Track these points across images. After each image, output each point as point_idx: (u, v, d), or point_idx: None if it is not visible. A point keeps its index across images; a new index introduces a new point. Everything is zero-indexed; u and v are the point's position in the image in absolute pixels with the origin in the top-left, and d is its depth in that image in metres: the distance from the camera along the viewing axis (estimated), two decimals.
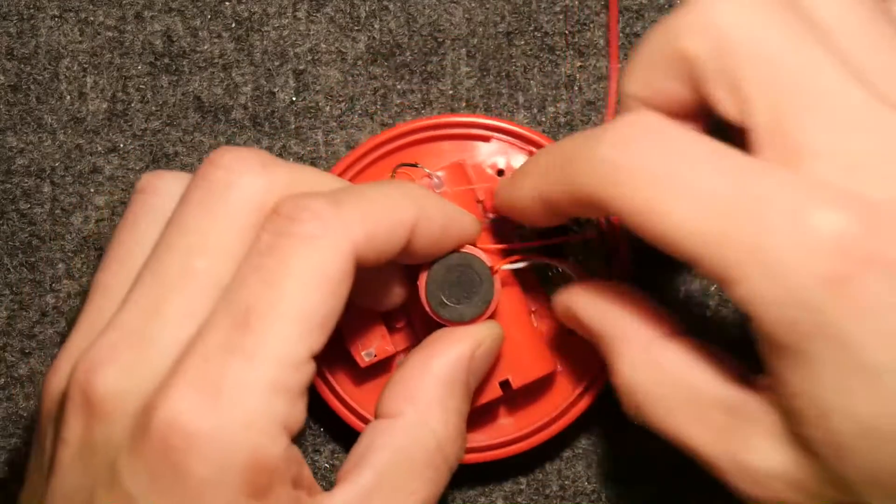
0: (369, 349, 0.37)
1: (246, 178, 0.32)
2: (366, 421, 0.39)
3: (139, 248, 0.33)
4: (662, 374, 0.32)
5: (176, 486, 0.29)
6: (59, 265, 0.42)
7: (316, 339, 0.30)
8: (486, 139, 0.39)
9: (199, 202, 0.32)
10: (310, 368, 0.30)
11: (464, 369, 0.35)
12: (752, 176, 0.29)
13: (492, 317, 0.36)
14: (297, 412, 0.30)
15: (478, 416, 0.39)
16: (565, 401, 0.39)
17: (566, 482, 0.41)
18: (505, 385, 0.37)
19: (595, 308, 0.34)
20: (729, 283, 0.28)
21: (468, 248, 0.36)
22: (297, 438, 0.31)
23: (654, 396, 0.32)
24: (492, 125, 0.39)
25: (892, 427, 0.28)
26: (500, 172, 0.39)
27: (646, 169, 0.29)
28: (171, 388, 0.29)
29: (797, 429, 0.29)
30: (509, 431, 0.39)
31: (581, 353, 0.39)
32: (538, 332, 0.38)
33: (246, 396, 0.29)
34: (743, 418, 0.30)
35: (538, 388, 0.39)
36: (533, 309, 0.39)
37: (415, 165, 0.38)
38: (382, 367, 0.38)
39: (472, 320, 0.36)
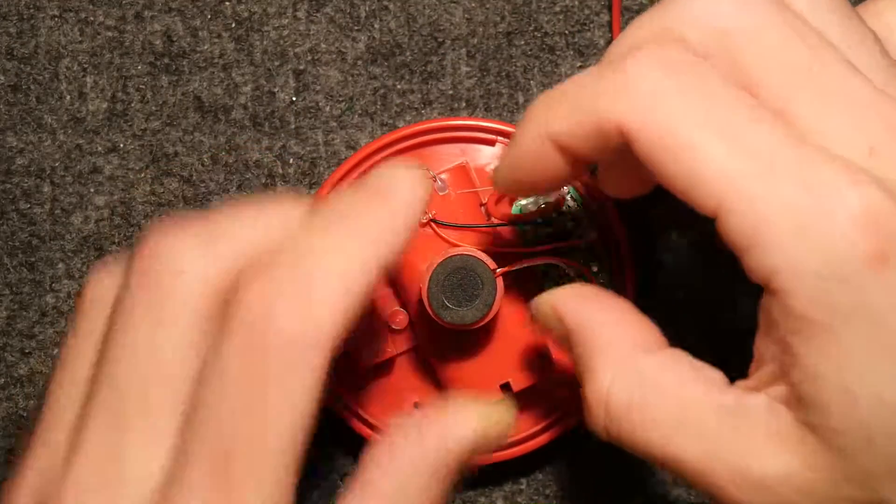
0: (370, 351, 0.37)
1: (187, 265, 0.28)
2: (365, 421, 0.39)
3: (87, 358, 0.29)
4: (649, 385, 0.30)
5: None
6: (59, 265, 0.42)
7: (295, 472, 0.27)
8: (490, 142, 0.39)
9: (144, 309, 0.28)
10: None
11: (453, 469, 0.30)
12: (789, 138, 0.27)
13: (493, 320, 0.36)
14: None
15: None
16: (566, 404, 0.39)
17: (566, 482, 0.41)
18: (506, 388, 0.38)
19: (581, 309, 0.33)
20: (758, 246, 0.27)
21: (471, 251, 0.36)
22: None
23: (639, 408, 0.30)
24: (495, 128, 0.39)
25: None
26: None
27: (684, 99, 0.28)
28: None
29: (815, 419, 0.27)
30: (509, 435, 0.39)
31: None
32: (540, 336, 0.39)
33: None
34: (740, 422, 0.29)
35: (539, 392, 0.39)
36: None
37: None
38: (383, 368, 0.38)
39: (473, 323, 0.36)
